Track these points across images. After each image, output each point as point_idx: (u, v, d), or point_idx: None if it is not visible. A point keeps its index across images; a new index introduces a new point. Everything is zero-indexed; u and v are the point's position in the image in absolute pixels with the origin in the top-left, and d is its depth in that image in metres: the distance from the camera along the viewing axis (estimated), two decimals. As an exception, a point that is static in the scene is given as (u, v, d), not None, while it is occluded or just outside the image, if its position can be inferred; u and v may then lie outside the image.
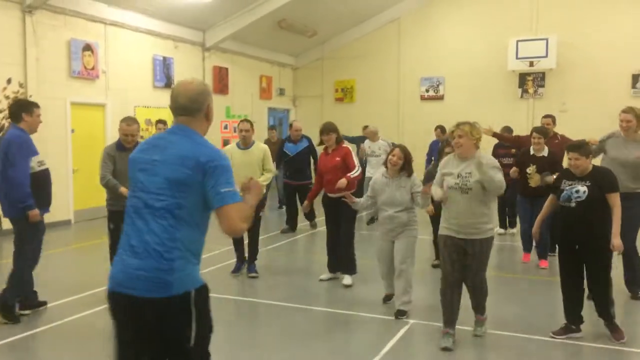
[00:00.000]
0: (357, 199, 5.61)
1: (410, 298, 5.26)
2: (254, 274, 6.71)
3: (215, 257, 7.27)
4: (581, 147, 4.53)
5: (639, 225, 5.66)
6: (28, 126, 5.10)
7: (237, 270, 6.84)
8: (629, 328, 4.76)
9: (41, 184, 5.11)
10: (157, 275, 2.37)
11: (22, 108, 5.14)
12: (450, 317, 4.54)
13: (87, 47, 10.55)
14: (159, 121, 9.68)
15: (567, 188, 4.54)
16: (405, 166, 5.27)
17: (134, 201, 2.51)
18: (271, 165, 6.80)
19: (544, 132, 7.26)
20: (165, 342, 2.45)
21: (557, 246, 7.56)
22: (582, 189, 4.45)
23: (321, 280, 6.45)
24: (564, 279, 4.71)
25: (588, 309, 4.78)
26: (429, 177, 6.89)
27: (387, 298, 5.63)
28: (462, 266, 4.48)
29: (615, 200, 4.45)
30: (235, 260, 6.92)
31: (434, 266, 7.01)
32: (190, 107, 2.54)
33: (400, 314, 5.20)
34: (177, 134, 2.53)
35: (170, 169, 2.43)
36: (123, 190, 5.27)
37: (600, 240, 4.46)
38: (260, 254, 7.05)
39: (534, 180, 6.81)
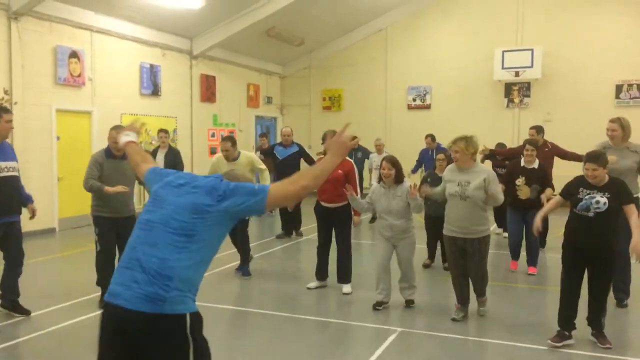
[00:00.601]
0: (358, 197, 5.95)
1: (415, 290, 5.78)
2: (247, 276, 6.92)
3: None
4: (599, 158, 4.52)
5: None
6: None
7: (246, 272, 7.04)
8: (615, 334, 4.79)
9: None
10: (154, 290, 2.31)
11: None
12: (461, 297, 5.33)
13: (74, 54, 10.49)
14: (161, 130, 9.80)
15: (587, 197, 4.52)
16: (397, 175, 5.53)
17: (149, 215, 2.50)
18: (261, 163, 7.05)
19: (536, 143, 7.34)
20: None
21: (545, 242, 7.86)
22: (603, 200, 4.45)
23: (309, 288, 6.42)
24: (565, 283, 4.70)
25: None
26: (425, 181, 7.19)
27: (379, 304, 5.65)
28: (464, 261, 5.21)
29: (633, 210, 4.47)
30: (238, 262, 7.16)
31: (425, 266, 7.46)
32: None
33: (411, 302, 5.71)
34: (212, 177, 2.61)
35: (195, 194, 2.48)
36: (108, 188, 5.31)
37: (610, 250, 4.52)
38: (253, 261, 7.13)
39: (523, 192, 6.79)
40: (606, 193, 4.48)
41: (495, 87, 15.23)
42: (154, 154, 9.50)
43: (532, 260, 7.16)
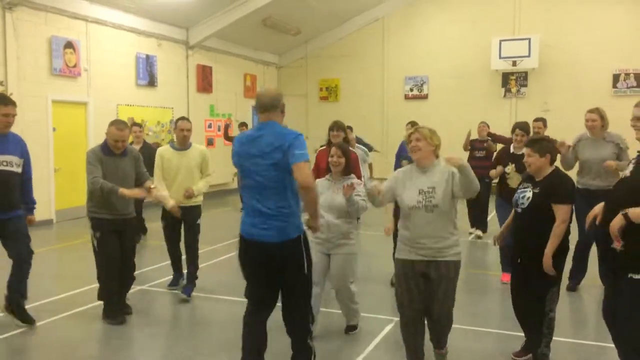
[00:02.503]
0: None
1: (357, 314, 4.91)
2: (185, 297, 5.75)
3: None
4: (537, 143, 4.04)
5: None
6: None
7: (175, 283, 6.11)
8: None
9: None
10: (279, 225, 3.42)
11: None
12: (415, 354, 3.95)
13: (69, 45, 10.43)
14: (135, 124, 9.07)
15: (519, 191, 4.12)
16: (347, 165, 4.69)
17: (249, 182, 3.48)
18: (210, 169, 5.97)
19: (527, 128, 7.24)
20: (291, 271, 3.49)
21: None
22: (528, 194, 3.98)
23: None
24: (512, 289, 4.22)
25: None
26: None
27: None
28: (422, 297, 3.81)
29: (560, 213, 3.84)
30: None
31: (393, 284, 5.93)
32: (272, 105, 3.54)
33: (351, 329, 4.87)
34: (263, 129, 3.49)
35: (269, 157, 3.38)
36: (123, 191, 4.80)
37: (539, 251, 3.85)
38: (225, 260, 6.87)
39: (514, 180, 5.99)
40: (537, 188, 3.98)
41: (492, 77, 15.21)
42: None
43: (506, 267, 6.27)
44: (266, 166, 3.38)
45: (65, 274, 7.12)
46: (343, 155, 4.62)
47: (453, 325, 4.02)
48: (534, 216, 3.92)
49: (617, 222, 3.15)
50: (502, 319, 5.22)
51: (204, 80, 14.36)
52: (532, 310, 3.98)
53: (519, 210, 4.03)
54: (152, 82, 12.56)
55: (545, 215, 3.86)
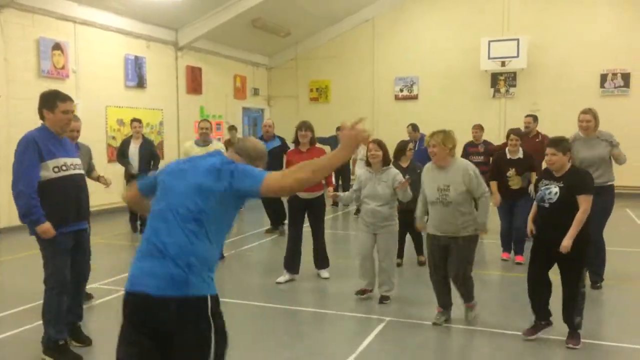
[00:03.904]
0: (341, 193, 5.86)
1: (392, 286, 5.56)
2: None
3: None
4: (560, 143, 4.44)
5: (607, 217, 5.92)
6: (51, 124, 4.23)
7: None
8: (590, 319, 4.86)
9: (51, 193, 4.09)
10: (177, 272, 2.35)
11: (42, 102, 4.27)
12: (442, 301, 4.95)
13: (57, 46, 10.36)
14: (135, 120, 9.28)
15: (543, 188, 4.48)
16: (384, 157, 5.44)
17: (159, 205, 2.53)
18: None
19: (521, 133, 7.37)
20: (184, 353, 2.35)
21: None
22: (555, 189, 4.37)
23: (278, 283, 6.26)
24: (531, 273, 4.63)
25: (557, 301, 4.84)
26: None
27: (362, 292, 5.65)
28: (445, 262, 4.79)
29: (583, 202, 4.30)
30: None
31: (397, 265, 6.71)
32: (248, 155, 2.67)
33: (384, 299, 5.49)
34: (213, 155, 2.62)
35: (196, 176, 2.48)
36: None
37: (573, 244, 4.30)
38: (235, 254, 6.98)
39: (515, 182, 6.76)
40: (561, 182, 4.39)
41: (481, 77, 15.29)
42: (125, 144, 9.04)
43: (519, 250, 7.14)
44: (191, 187, 2.51)
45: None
46: (380, 148, 5.39)
47: (448, 325, 4.82)
48: (563, 208, 4.32)
49: None
50: (495, 315, 5.25)
51: (194, 82, 14.32)
52: (565, 292, 4.44)
53: (546, 205, 4.41)
54: (141, 84, 12.50)
55: (572, 207, 4.31)
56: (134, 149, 8.91)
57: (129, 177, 8.88)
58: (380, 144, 5.45)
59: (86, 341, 4.49)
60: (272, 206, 9.20)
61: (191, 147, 7.02)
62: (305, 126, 6.28)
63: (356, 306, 5.50)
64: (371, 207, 5.41)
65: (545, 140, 7.95)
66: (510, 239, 7.22)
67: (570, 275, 4.40)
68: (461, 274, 4.75)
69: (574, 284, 4.39)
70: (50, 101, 4.23)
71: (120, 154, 9.11)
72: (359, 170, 5.84)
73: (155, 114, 12.98)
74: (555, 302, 4.58)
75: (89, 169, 5.78)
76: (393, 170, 5.48)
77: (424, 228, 5.10)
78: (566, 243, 4.25)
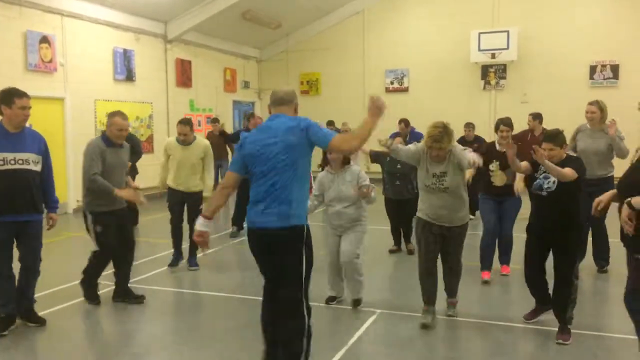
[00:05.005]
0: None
1: (362, 286, 5.22)
2: (194, 267, 6.62)
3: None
4: (555, 137, 4.47)
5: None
6: (7, 119, 4.50)
7: (175, 263, 6.68)
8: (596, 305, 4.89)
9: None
10: (282, 210, 3.34)
11: (0, 98, 4.51)
12: (429, 296, 4.80)
13: (44, 39, 10.24)
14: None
15: (541, 177, 4.48)
16: (344, 157, 5.00)
17: (258, 169, 3.42)
18: (211, 167, 6.63)
19: (511, 123, 7.24)
20: (284, 265, 3.41)
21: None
22: (553, 178, 4.39)
23: None
24: (530, 276, 4.67)
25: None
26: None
27: (331, 299, 5.35)
28: (437, 250, 4.74)
29: (570, 170, 4.28)
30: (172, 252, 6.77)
31: (391, 251, 7.36)
32: (286, 99, 3.58)
33: (357, 303, 5.20)
34: (275, 119, 3.51)
35: (283, 139, 3.36)
36: (119, 192, 4.98)
37: (569, 232, 4.40)
38: (215, 253, 6.93)
39: (498, 178, 5.88)
40: None
41: (472, 69, 15.31)
42: None
43: (505, 258, 6.22)
44: (277, 150, 3.34)
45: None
46: None
47: (438, 316, 4.80)
48: (562, 195, 4.37)
49: (624, 210, 3.37)
50: (484, 308, 5.28)
51: (184, 75, 14.22)
52: (558, 281, 4.44)
53: (544, 193, 4.44)
54: (130, 77, 12.40)
55: (571, 194, 4.37)
56: None
57: None
58: None
59: (40, 321, 4.83)
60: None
61: (175, 145, 6.47)
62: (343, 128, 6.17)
63: (347, 299, 5.50)
64: (337, 210, 5.06)
65: None
66: (492, 252, 6.12)
67: (564, 265, 4.40)
68: (456, 260, 4.82)
69: (567, 274, 4.39)
70: (8, 97, 4.49)
71: None
72: (319, 174, 5.32)
73: (145, 107, 12.89)
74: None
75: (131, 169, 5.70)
76: (355, 168, 5.14)
77: (389, 147, 4.72)
78: (519, 186, 4.70)
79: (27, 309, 4.81)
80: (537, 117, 8.06)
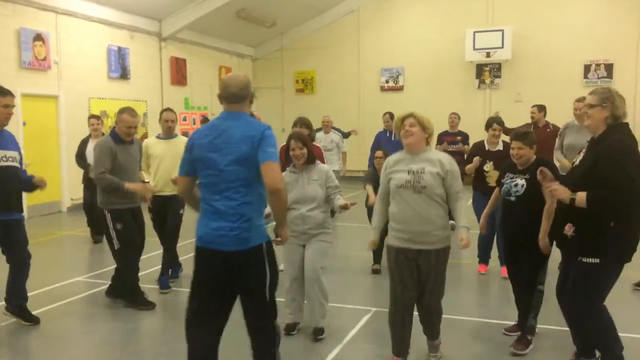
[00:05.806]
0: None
1: (326, 311, 4.58)
2: (166, 289, 5.73)
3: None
4: (525, 137, 4.28)
5: None
6: None
7: (175, 275, 6.11)
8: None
9: None
10: (238, 233, 2.96)
11: None
12: (402, 347, 3.93)
13: (38, 37, 10.20)
14: (92, 116, 8.52)
15: (508, 182, 4.30)
16: (309, 154, 4.50)
17: (209, 178, 3.03)
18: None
19: (502, 122, 7.23)
20: (249, 289, 3.08)
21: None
22: (521, 182, 4.21)
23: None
24: (509, 270, 4.52)
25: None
26: (368, 179, 6.40)
27: (291, 328, 4.57)
28: (414, 285, 3.76)
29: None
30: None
31: (374, 271, 6.36)
32: (241, 96, 3.09)
33: (319, 332, 4.50)
34: (229, 119, 3.08)
35: (236, 149, 2.96)
36: (129, 186, 4.93)
37: (536, 235, 4.06)
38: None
39: (493, 178, 5.75)
40: (527, 174, 4.21)
41: (466, 68, 15.34)
42: (84, 144, 8.08)
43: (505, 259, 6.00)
44: (231, 159, 2.95)
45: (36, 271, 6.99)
46: (304, 145, 4.46)
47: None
48: (530, 201, 4.13)
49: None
50: (480, 307, 5.29)
51: (178, 73, 14.19)
52: (527, 288, 4.22)
53: (512, 198, 4.24)
54: (124, 75, 12.36)
55: (539, 199, 4.04)
56: (90, 149, 7.45)
57: (87, 180, 7.94)
58: (304, 140, 4.51)
59: (34, 319, 4.80)
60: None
61: (155, 141, 5.94)
62: (300, 122, 5.74)
63: (342, 297, 5.51)
64: (300, 213, 4.41)
65: (557, 131, 7.26)
66: (490, 247, 6.29)
67: (532, 271, 4.19)
68: (435, 300, 3.84)
69: (534, 279, 4.19)
70: None
71: (78, 155, 8.11)
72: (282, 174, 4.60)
73: (139, 105, 12.85)
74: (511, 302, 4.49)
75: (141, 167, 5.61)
76: (324, 166, 4.61)
77: (374, 244, 4.01)
78: (542, 240, 3.97)
79: (20, 307, 4.80)
80: (542, 109, 7.81)
